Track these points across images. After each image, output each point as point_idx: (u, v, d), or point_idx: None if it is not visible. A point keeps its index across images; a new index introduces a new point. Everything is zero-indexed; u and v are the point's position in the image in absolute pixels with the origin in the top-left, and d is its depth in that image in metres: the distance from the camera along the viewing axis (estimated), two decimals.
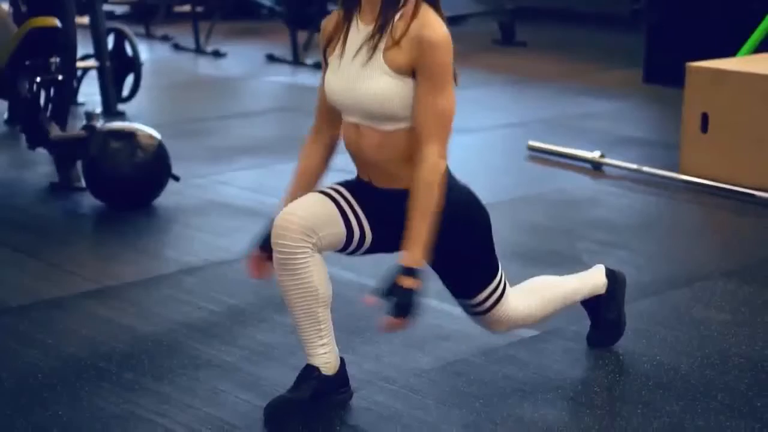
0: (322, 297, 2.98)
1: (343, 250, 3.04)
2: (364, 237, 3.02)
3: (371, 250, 3.08)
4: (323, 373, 3.04)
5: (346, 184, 3.07)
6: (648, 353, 3.50)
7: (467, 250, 3.09)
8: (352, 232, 2.99)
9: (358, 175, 3.09)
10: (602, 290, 3.48)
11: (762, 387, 3.26)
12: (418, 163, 2.86)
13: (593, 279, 3.47)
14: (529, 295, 3.30)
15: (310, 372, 3.04)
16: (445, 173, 2.89)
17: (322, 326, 3.02)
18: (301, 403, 3.03)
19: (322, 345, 3.04)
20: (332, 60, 2.97)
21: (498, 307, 3.18)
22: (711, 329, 3.70)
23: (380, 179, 3.00)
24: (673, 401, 3.17)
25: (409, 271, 2.84)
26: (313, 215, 2.91)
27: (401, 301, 2.83)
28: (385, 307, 2.85)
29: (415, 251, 2.85)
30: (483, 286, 3.14)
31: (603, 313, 3.49)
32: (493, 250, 3.15)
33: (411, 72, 2.85)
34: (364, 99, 2.87)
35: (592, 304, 3.49)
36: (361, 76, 2.87)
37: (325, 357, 3.04)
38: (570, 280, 3.43)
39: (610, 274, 3.51)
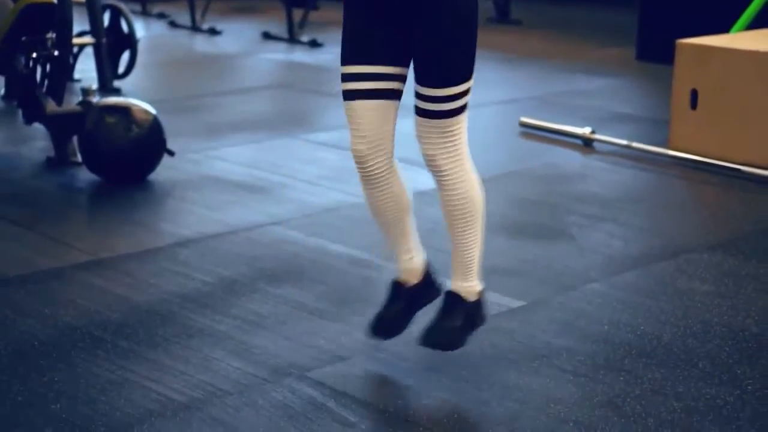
0: (406, 204, 3.22)
1: None
2: (405, 78, 3.14)
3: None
4: (407, 285, 3.29)
5: (358, 54, 3.07)
6: (632, 323, 3.57)
7: (452, 25, 3.02)
8: (400, 93, 3.13)
9: None
10: (474, 297, 3.23)
11: (742, 355, 3.34)
12: None
13: (475, 267, 3.26)
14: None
15: (397, 288, 3.30)
16: None
17: (408, 230, 3.26)
18: (397, 317, 3.29)
19: (407, 250, 3.27)
20: None
21: (460, 116, 3.11)
22: (694, 300, 3.78)
23: None
24: (655, 369, 3.24)
25: None
26: (378, 133, 3.09)
27: None
28: None
29: None
30: (456, 78, 3.06)
31: (455, 312, 3.25)
32: (475, 45, 3.10)
33: None
34: None
35: (451, 299, 3.27)
36: None
37: (409, 262, 3.28)
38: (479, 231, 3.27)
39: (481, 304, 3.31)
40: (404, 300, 3.30)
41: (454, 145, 3.13)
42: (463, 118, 3.15)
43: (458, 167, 3.14)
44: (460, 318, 3.22)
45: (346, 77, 3.10)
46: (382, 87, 3.08)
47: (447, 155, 3.12)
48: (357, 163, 3.13)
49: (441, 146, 3.11)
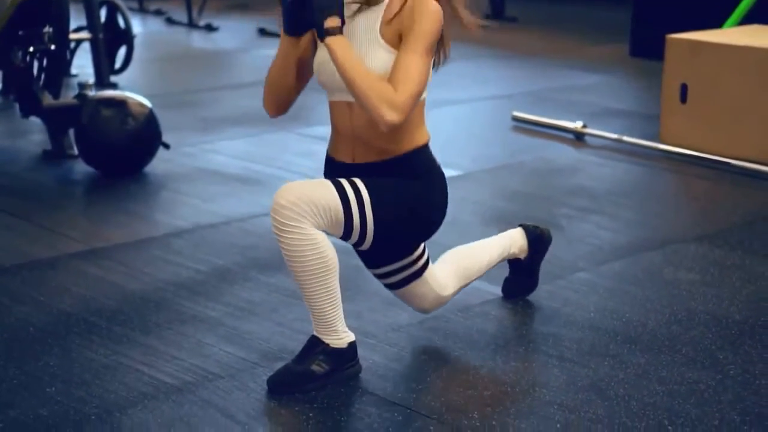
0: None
1: None
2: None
3: None
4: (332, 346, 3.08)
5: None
6: (618, 310, 3.63)
7: (396, 218, 3.04)
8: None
9: (332, 160, 3.18)
10: (523, 255, 3.64)
11: (725, 341, 3.40)
12: None
13: (514, 245, 3.62)
14: (448, 274, 3.40)
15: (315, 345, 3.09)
16: (393, 121, 2.86)
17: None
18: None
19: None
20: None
21: (409, 287, 3.31)
22: (680, 288, 3.83)
23: (367, 155, 3.07)
24: (639, 354, 3.30)
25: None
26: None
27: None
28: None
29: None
30: (388, 259, 3.27)
31: (521, 266, 3.69)
32: (418, 237, 3.19)
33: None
34: None
35: (512, 261, 3.70)
36: (359, 54, 2.94)
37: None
38: (491, 252, 3.52)
39: (536, 239, 3.67)
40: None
41: (419, 294, 3.36)
42: (417, 279, 3.32)
43: (436, 298, 3.39)
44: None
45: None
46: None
47: (415, 302, 3.39)
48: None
49: (409, 300, 3.39)
